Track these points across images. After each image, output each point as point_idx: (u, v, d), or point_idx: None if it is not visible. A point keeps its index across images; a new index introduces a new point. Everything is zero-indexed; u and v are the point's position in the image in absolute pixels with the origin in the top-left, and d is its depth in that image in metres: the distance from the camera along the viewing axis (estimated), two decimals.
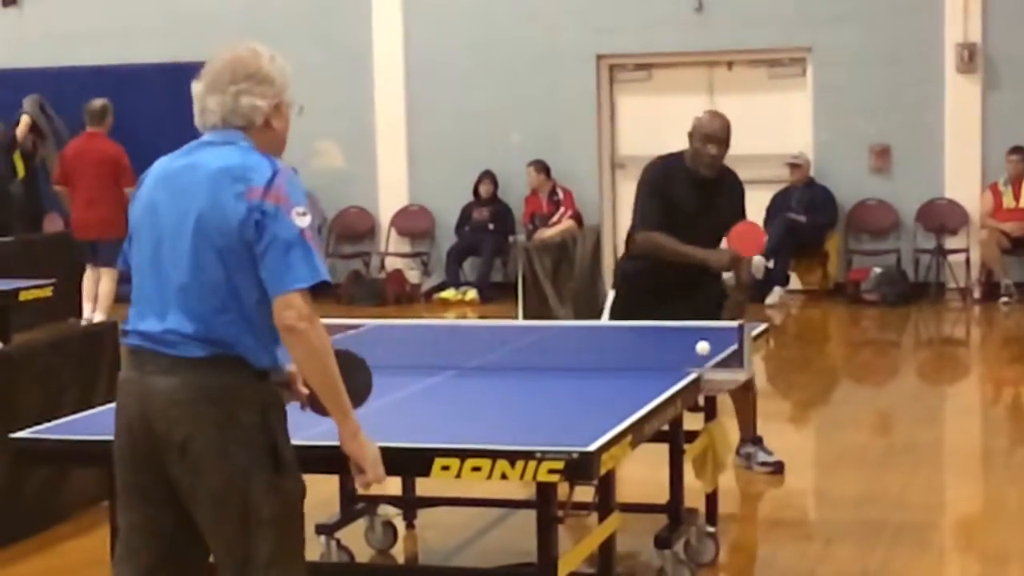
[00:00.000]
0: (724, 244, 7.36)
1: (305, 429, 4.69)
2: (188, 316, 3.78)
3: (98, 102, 13.54)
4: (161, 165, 4.03)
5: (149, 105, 16.77)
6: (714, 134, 7.26)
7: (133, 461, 3.88)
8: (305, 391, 4.03)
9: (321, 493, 6.72)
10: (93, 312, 13.38)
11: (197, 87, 4.00)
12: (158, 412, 3.78)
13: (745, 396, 7.47)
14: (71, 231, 13.77)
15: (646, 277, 7.38)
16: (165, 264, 3.84)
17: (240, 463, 3.75)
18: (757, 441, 7.76)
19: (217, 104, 3.93)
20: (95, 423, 5.10)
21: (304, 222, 3.75)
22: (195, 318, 3.78)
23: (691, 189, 7.30)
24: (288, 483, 3.84)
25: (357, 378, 3.99)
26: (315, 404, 3.98)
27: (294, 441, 4.51)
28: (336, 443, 4.52)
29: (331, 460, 4.57)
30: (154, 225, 3.90)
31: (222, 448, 3.75)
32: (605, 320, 7.56)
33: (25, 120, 15.96)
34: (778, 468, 7.70)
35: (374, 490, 4.48)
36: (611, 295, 7.72)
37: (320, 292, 3.79)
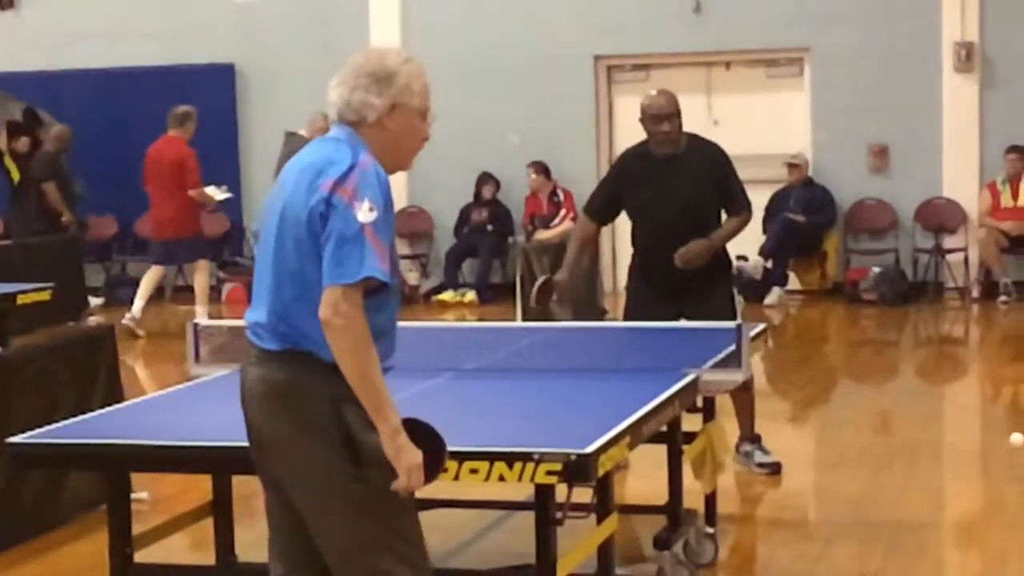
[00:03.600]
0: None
1: None
2: (269, 309, 3.84)
3: (181, 108, 14.07)
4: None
5: (145, 108, 16.76)
6: (660, 111, 7.39)
7: (250, 448, 3.96)
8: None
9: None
10: (140, 309, 13.87)
11: (331, 82, 3.99)
12: (249, 403, 3.90)
13: (744, 396, 7.47)
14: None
15: (638, 269, 7.58)
16: (262, 257, 3.91)
17: (316, 456, 3.77)
18: (756, 440, 7.76)
19: (337, 97, 3.94)
20: (93, 427, 5.11)
21: (367, 218, 3.69)
22: (273, 311, 3.83)
23: (650, 170, 7.42)
24: (371, 473, 3.78)
25: (422, 447, 3.82)
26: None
27: None
28: None
29: None
30: (266, 217, 3.95)
31: (297, 441, 3.79)
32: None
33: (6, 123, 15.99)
34: (775, 469, 7.70)
35: None
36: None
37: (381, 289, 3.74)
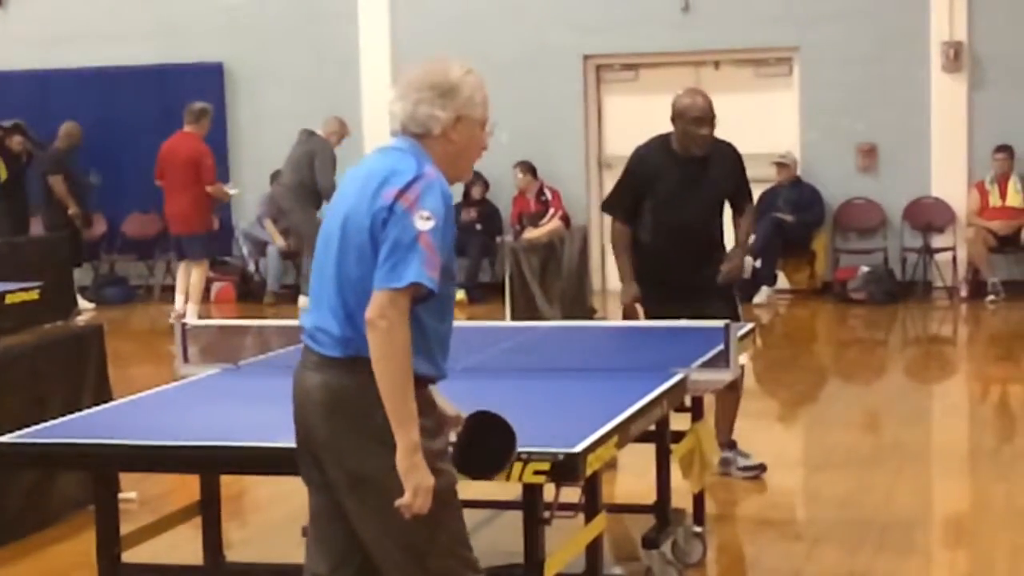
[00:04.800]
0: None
1: (291, 431, 4.69)
2: (333, 315, 3.87)
3: (198, 104, 14.33)
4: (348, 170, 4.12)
5: (136, 107, 16.79)
6: (703, 114, 7.31)
7: (300, 450, 4.00)
8: (452, 439, 3.99)
9: (307, 495, 6.73)
10: (185, 305, 14.07)
11: (391, 92, 4.02)
12: (307, 408, 3.91)
13: (730, 397, 7.47)
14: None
15: (650, 266, 7.43)
16: (324, 263, 3.94)
17: (378, 462, 3.79)
18: (732, 446, 7.72)
19: (400, 110, 3.96)
20: (81, 427, 5.11)
21: (425, 226, 3.75)
22: (338, 317, 3.86)
23: (676, 168, 7.36)
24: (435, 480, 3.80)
25: (491, 441, 3.95)
26: (455, 457, 3.94)
27: (280, 443, 4.52)
28: None
29: None
30: (327, 224, 3.99)
31: (360, 447, 3.82)
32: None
33: None
34: (759, 471, 7.68)
35: None
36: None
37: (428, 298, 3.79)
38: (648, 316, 7.41)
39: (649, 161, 7.47)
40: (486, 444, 3.95)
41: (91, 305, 15.48)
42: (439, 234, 3.77)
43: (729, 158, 7.55)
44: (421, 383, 3.84)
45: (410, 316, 3.76)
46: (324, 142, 15.04)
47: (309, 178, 14.90)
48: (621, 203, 7.56)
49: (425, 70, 3.96)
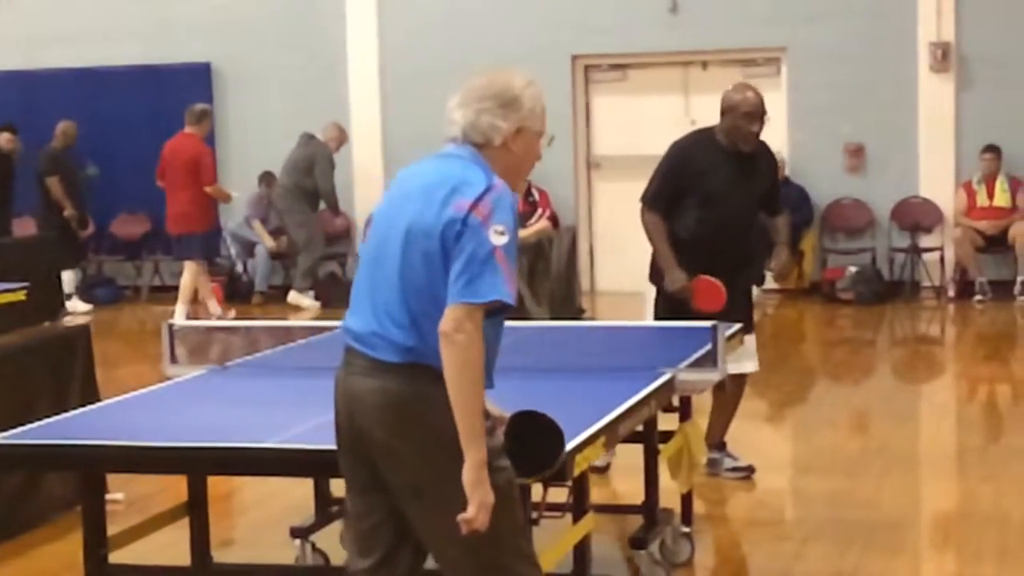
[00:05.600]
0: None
1: (280, 432, 4.70)
2: (392, 321, 3.88)
3: (199, 105, 14.50)
4: (401, 171, 4.13)
5: (123, 107, 16.76)
6: (756, 110, 7.24)
7: (346, 453, 4.01)
8: (501, 439, 3.98)
9: (296, 496, 6.73)
10: (213, 305, 14.32)
11: (450, 100, 4.05)
12: (360, 412, 3.91)
13: (729, 398, 7.45)
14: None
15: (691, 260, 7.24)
16: (380, 266, 3.94)
17: (437, 465, 3.83)
18: (722, 447, 7.71)
19: (461, 117, 4.00)
20: (69, 427, 5.10)
21: (500, 241, 3.78)
22: (397, 323, 3.87)
23: (725, 163, 7.26)
24: (492, 478, 3.83)
25: (537, 440, 3.98)
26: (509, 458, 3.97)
27: (268, 444, 4.52)
28: (311, 446, 4.53)
29: (305, 463, 4.58)
30: (378, 226, 4.01)
31: (419, 451, 3.85)
32: (649, 318, 7.39)
33: None
34: (749, 472, 7.67)
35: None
36: (651, 292, 7.50)
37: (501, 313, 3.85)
38: (671, 314, 7.29)
39: (696, 155, 7.33)
40: (532, 443, 3.97)
41: (87, 307, 15.46)
42: (511, 248, 3.82)
43: (769, 157, 7.51)
44: None
45: None
46: (324, 147, 15.21)
47: (306, 181, 15.09)
48: (658, 196, 7.34)
49: (489, 79, 4.02)
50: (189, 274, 14.25)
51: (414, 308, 3.85)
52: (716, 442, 7.61)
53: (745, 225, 7.40)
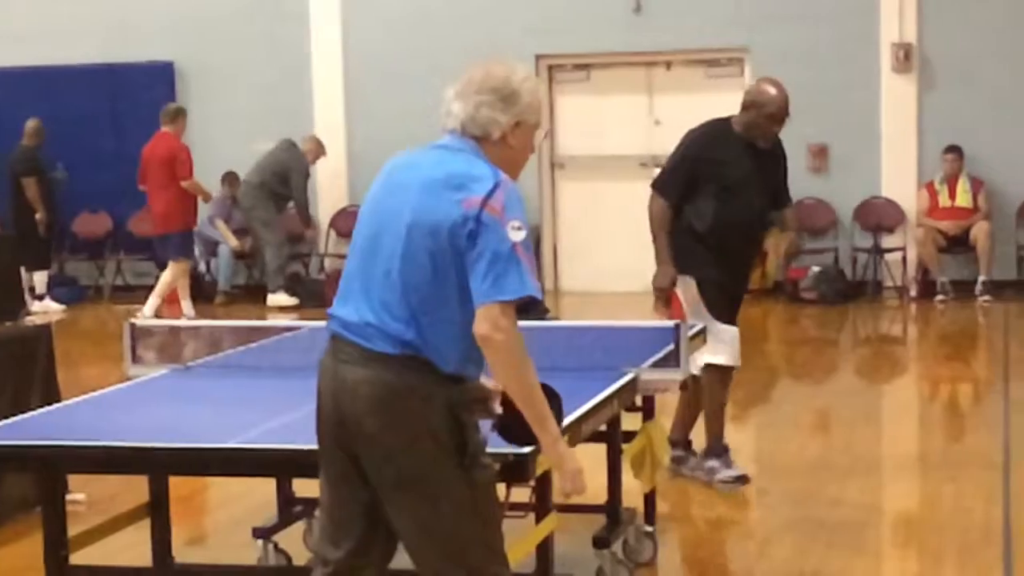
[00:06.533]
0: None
1: (243, 432, 4.68)
2: (388, 312, 3.86)
3: (173, 105, 14.76)
4: (393, 159, 4.10)
5: (84, 106, 16.65)
6: (780, 113, 7.22)
7: (327, 443, 3.99)
8: (499, 411, 4.03)
9: (258, 496, 6.71)
10: (191, 307, 14.33)
11: (448, 91, 4.03)
12: (348, 402, 3.88)
13: (699, 400, 7.43)
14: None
15: (715, 252, 7.24)
16: (376, 257, 3.92)
17: (426, 458, 3.84)
18: (687, 445, 7.64)
19: (460, 110, 3.98)
20: (29, 427, 5.07)
21: (518, 236, 3.79)
22: (394, 316, 3.86)
23: (743, 155, 7.24)
24: (476, 474, 3.89)
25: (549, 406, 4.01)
26: (502, 429, 4.03)
27: (231, 444, 4.51)
28: (273, 446, 4.52)
29: (267, 463, 4.57)
30: (372, 216, 4.00)
31: (409, 444, 3.84)
32: (700, 313, 7.24)
33: None
34: (741, 481, 7.49)
35: (314, 493, 4.45)
36: (690, 282, 7.32)
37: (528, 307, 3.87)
38: (728, 308, 7.31)
39: (714, 144, 7.28)
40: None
41: (60, 307, 15.40)
42: (529, 242, 3.84)
43: (782, 152, 7.48)
44: (454, 379, 3.89)
45: (461, 316, 3.82)
46: (303, 157, 15.36)
47: (275, 183, 15.18)
48: (671, 185, 7.28)
49: (487, 71, 4.00)
50: (171, 272, 14.29)
51: (414, 303, 3.84)
52: (681, 439, 7.59)
53: (761, 218, 7.39)
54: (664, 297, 7.26)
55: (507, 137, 3.97)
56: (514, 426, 3.98)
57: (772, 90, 7.26)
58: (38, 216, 15.43)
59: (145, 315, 13.96)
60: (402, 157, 4.08)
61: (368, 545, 4.03)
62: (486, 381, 4.05)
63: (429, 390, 3.83)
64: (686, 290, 7.31)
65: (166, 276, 14.35)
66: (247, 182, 15.42)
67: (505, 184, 3.86)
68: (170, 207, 14.14)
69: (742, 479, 7.47)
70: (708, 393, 7.46)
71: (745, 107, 7.26)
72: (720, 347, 7.30)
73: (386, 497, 3.92)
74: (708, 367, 7.35)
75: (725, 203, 7.19)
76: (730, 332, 7.35)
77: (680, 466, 7.63)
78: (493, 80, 3.97)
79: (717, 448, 7.53)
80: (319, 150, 15.60)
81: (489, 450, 4.10)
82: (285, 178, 15.25)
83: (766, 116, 7.20)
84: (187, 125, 14.65)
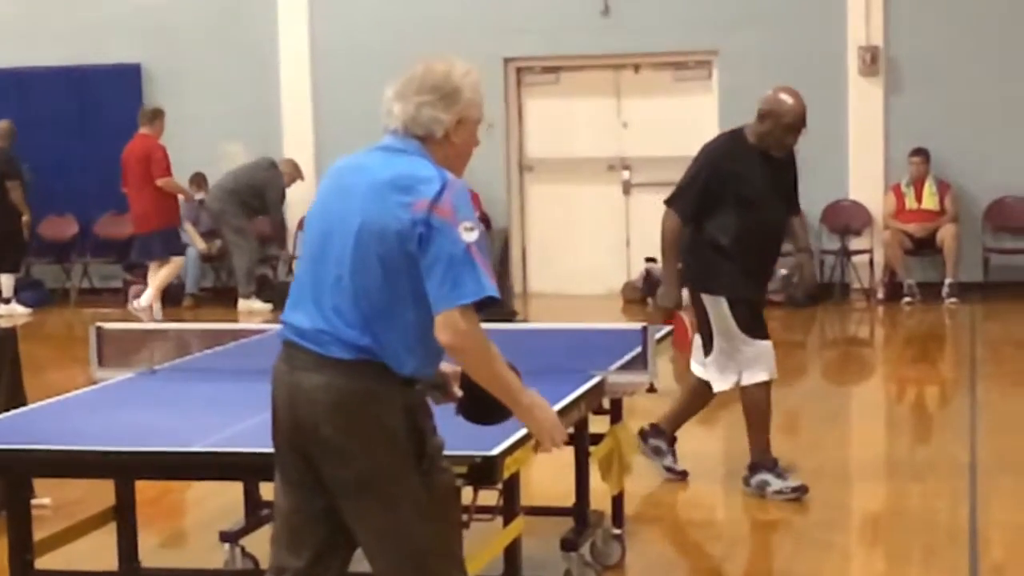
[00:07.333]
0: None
1: (209, 436, 4.67)
2: (341, 318, 3.83)
3: (151, 106, 14.82)
4: (337, 162, 4.06)
5: (50, 108, 16.58)
6: (798, 124, 7.13)
7: (283, 449, 3.96)
8: (459, 394, 4.07)
9: (225, 500, 6.69)
10: (155, 305, 14.37)
11: (388, 91, 4.00)
12: (304, 408, 3.85)
13: (755, 408, 7.39)
14: None
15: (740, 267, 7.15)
16: (326, 262, 3.88)
17: (385, 463, 3.82)
18: (773, 465, 7.38)
19: (401, 111, 3.94)
20: None
21: (471, 237, 3.76)
22: (347, 322, 3.82)
23: (759, 165, 7.17)
24: (435, 477, 3.88)
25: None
26: (465, 410, 4.05)
27: (198, 448, 4.49)
28: (240, 449, 4.51)
29: (234, 467, 4.56)
30: (321, 221, 3.94)
31: (367, 448, 3.82)
32: (731, 332, 7.17)
33: None
34: (801, 491, 7.30)
35: None
36: (720, 303, 7.17)
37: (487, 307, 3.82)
38: (759, 324, 7.25)
39: (731, 157, 7.18)
40: (487, 394, 3.95)
41: (27, 310, 15.34)
42: (483, 241, 3.82)
43: (792, 160, 7.41)
44: (410, 381, 3.88)
45: (416, 320, 3.79)
46: (281, 178, 15.37)
47: (245, 194, 15.19)
48: (687, 202, 7.17)
49: (426, 69, 3.96)
50: (168, 269, 14.42)
51: (366, 308, 3.81)
52: (763, 461, 7.38)
53: (781, 228, 7.36)
54: (668, 316, 7.22)
55: (450, 135, 3.93)
56: (476, 406, 3.99)
57: (789, 100, 7.17)
58: (25, 219, 15.37)
59: (143, 305, 14.09)
60: (347, 160, 4.04)
61: (327, 553, 3.99)
62: (443, 365, 4.05)
63: (386, 394, 3.81)
64: (716, 311, 7.19)
65: (162, 272, 14.40)
66: (219, 187, 15.35)
67: (452, 185, 3.82)
68: (149, 207, 14.16)
69: (800, 490, 7.23)
70: (753, 410, 7.33)
71: (761, 117, 7.17)
72: (757, 364, 7.23)
73: (344, 503, 3.89)
74: (749, 386, 7.26)
75: (746, 215, 7.09)
76: (764, 347, 7.24)
77: (656, 456, 7.61)
78: (433, 78, 3.94)
79: (767, 462, 7.36)
80: (296, 173, 15.60)
81: (455, 453, 4.11)
82: (260, 193, 15.26)
83: (784, 126, 7.13)
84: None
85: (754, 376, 7.23)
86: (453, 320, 3.73)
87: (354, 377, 3.81)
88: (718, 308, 7.18)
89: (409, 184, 3.80)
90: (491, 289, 3.77)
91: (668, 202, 7.26)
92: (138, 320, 13.57)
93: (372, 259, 3.80)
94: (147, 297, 14.24)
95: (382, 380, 3.81)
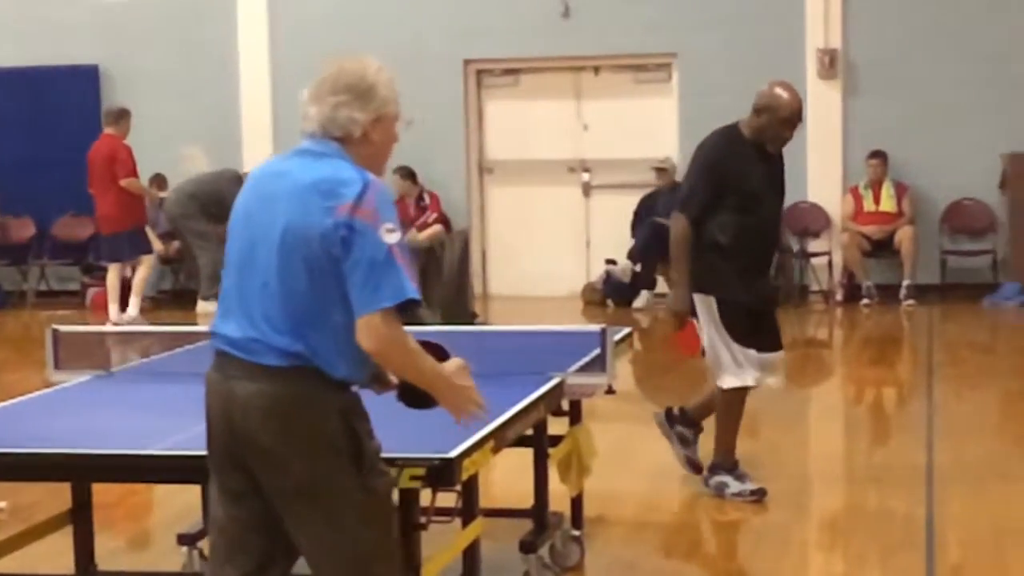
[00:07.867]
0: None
1: (166, 438, 4.65)
2: (270, 325, 3.80)
3: (116, 106, 14.67)
4: (258, 169, 4.04)
5: (5, 109, 16.47)
6: (794, 117, 7.10)
7: (220, 459, 3.94)
8: (396, 381, 4.07)
9: (183, 502, 6.66)
10: (121, 313, 14.28)
11: (303, 94, 3.98)
12: (240, 417, 3.83)
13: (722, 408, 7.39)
14: None
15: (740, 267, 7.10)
16: (253, 271, 3.85)
17: (323, 468, 3.80)
18: (732, 467, 7.37)
19: (317, 113, 3.92)
20: None
21: (393, 239, 3.73)
22: (277, 328, 3.80)
23: (757, 161, 7.14)
24: (374, 481, 3.86)
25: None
26: (404, 396, 4.06)
27: (154, 451, 4.47)
28: (197, 452, 4.49)
29: (191, 470, 4.53)
30: (245, 229, 3.92)
31: (304, 454, 3.79)
32: (718, 333, 7.14)
33: None
34: (758, 495, 7.29)
35: None
36: (710, 302, 7.16)
37: (409, 308, 3.79)
38: (754, 335, 7.23)
39: (732, 153, 7.15)
40: None
41: None
42: (404, 242, 3.80)
43: (782, 161, 7.38)
44: (345, 384, 3.87)
45: (346, 323, 3.76)
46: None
47: (207, 201, 15.05)
48: (696, 204, 7.08)
49: (338, 69, 3.94)
50: (142, 268, 14.39)
51: (296, 313, 3.79)
52: (723, 463, 7.39)
53: (778, 224, 7.37)
54: (680, 321, 7.20)
55: (369, 134, 3.91)
56: (412, 392, 4.00)
57: (785, 94, 7.17)
58: None
59: (131, 315, 13.99)
60: (267, 166, 4.02)
61: (268, 563, 3.97)
62: (382, 374, 4.07)
63: (321, 398, 3.79)
64: (706, 309, 7.17)
65: (140, 274, 14.38)
66: (180, 190, 15.13)
67: (374, 186, 3.79)
68: (115, 208, 14.11)
69: (758, 493, 7.25)
70: (726, 411, 7.31)
71: (757, 111, 7.15)
72: (738, 370, 7.18)
73: (284, 510, 3.87)
74: (728, 388, 7.24)
75: (747, 212, 7.06)
76: (747, 354, 7.19)
77: (680, 445, 7.61)
78: (347, 77, 3.91)
79: (727, 463, 7.37)
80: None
81: (410, 455, 4.11)
82: (220, 201, 15.12)
83: (780, 120, 7.11)
84: (103, 130, 14.51)
85: (731, 380, 7.22)
86: (374, 324, 3.71)
87: (287, 383, 3.79)
88: (708, 308, 7.18)
89: (330, 188, 3.78)
90: (412, 291, 3.73)
91: (681, 209, 7.17)
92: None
93: (298, 264, 3.78)
94: (133, 307, 14.15)
95: (316, 385, 3.79)
